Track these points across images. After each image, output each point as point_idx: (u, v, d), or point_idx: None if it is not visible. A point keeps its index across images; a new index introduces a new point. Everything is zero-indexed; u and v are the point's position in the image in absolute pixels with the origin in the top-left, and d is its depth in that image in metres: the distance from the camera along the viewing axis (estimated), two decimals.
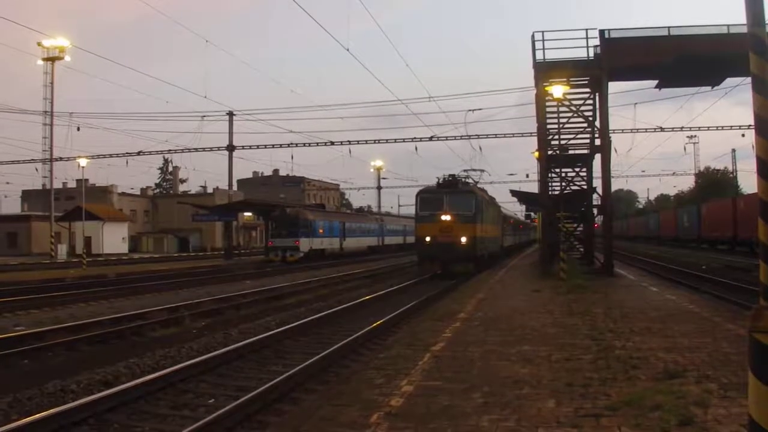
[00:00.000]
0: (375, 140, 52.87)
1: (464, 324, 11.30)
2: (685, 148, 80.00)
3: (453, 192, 26.58)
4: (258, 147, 53.90)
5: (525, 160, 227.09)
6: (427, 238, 26.11)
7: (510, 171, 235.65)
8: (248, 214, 58.71)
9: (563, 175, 27.18)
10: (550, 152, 24.76)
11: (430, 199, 26.87)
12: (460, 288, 20.26)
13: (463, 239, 25.41)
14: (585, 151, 26.03)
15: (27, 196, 76.23)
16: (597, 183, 26.24)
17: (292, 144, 54.05)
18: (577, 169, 27.18)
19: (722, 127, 52.41)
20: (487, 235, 29.28)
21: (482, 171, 34.54)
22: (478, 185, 31.45)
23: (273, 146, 53.94)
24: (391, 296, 19.81)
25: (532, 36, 23.20)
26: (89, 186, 62.36)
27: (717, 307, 13.38)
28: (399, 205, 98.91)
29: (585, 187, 27.05)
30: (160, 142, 67.62)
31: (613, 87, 30.74)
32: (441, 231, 25.51)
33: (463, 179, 29.01)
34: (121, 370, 9.41)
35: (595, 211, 27.24)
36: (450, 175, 27.95)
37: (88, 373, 9.11)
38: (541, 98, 23.80)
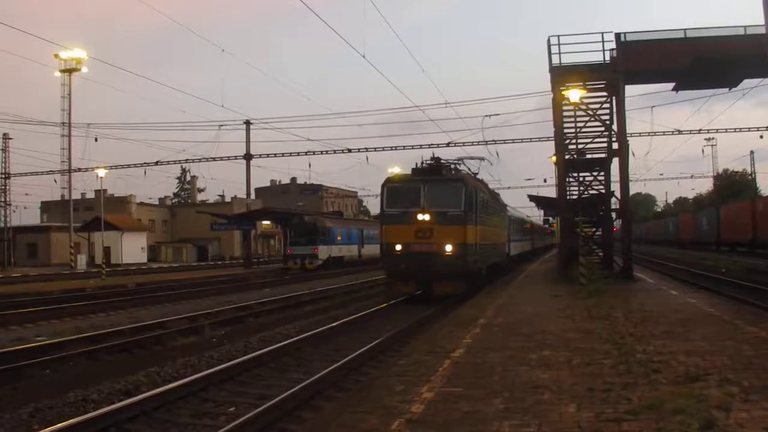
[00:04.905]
0: (392, 147, 52.78)
1: (484, 330, 11.26)
2: (703, 151, 79.21)
3: (434, 181, 19.17)
4: (275, 155, 54.16)
5: (543, 165, 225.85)
6: (398, 247, 18.88)
7: (528, 176, 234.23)
8: (266, 222, 58.88)
9: (581, 179, 27.00)
10: (567, 156, 24.62)
11: (401, 190, 19.51)
12: (480, 294, 20.12)
13: (449, 248, 18.45)
14: (603, 155, 25.86)
15: (46, 207, 77.17)
16: (615, 187, 26.16)
17: (309, 152, 54.18)
18: (595, 173, 27.00)
19: (740, 128, 51.92)
20: (486, 241, 21.76)
21: (482, 159, 24.87)
22: (477, 177, 23.25)
23: (290, 154, 54.13)
24: (409, 303, 19.73)
25: (548, 40, 23.22)
26: (108, 196, 62.93)
27: (738, 310, 13.25)
28: None
29: (603, 191, 26.88)
30: (177, 152, 68.22)
31: (630, 90, 30.57)
32: (417, 236, 18.59)
33: (453, 164, 21.38)
34: (142, 380, 9.50)
35: (613, 215, 27.07)
36: (433, 158, 20.51)
37: (108, 383, 9.20)
38: (558, 102, 23.72)
